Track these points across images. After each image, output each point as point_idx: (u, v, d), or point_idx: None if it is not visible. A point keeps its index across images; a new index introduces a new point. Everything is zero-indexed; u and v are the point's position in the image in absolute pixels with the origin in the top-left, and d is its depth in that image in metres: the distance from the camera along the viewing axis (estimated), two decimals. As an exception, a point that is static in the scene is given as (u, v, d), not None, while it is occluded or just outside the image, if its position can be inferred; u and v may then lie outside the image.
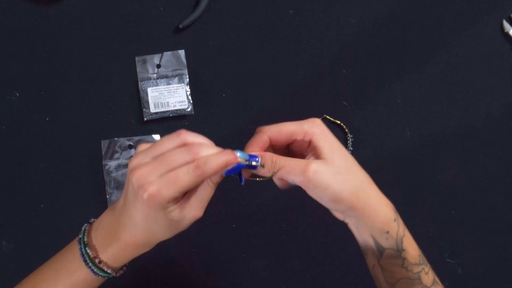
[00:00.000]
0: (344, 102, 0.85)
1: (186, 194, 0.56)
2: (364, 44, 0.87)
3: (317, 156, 0.56)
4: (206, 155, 0.54)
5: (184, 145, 0.55)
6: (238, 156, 0.55)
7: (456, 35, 0.88)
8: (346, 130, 0.84)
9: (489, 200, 0.84)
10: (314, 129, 0.57)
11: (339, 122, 0.84)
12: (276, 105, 0.85)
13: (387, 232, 0.57)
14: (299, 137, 0.58)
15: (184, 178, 0.53)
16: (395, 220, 0.58)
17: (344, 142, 0.84)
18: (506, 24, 0.88)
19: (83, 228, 0.60)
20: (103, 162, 0.82)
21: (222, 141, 0.83)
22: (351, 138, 0.84)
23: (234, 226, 0.82)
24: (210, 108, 0.84)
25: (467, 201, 0.84)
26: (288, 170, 0.56)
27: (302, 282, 0.80)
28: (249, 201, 0.82)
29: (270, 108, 0.85)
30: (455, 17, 0.88)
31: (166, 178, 0.53)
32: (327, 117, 0.84)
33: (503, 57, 0.88)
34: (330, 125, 0.85)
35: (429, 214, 0.83)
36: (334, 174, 0.55)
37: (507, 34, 0.88)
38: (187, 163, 0.54)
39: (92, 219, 0.61)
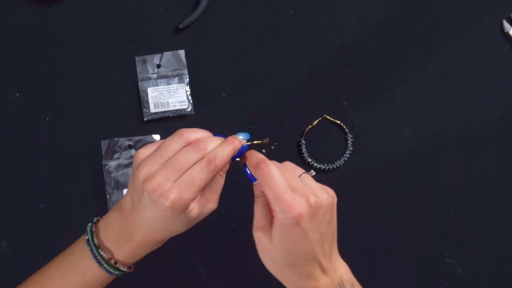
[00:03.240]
0: (344, 102, 0.85)
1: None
2: (364, 44, 0.87)
3: (271, 227, 0.55)
4: (213, 148, 0.56)
5: (188, 143, 0.56)
6: (241, 139, 0.58)
7: (456, 35, 0.88)
8: (346, 130, 0.84)
9: (489, 200, 0.84)
10: (284, 217, 0.53)
11: (339, 122, 0.84)
12: (276, 105, 0.85)
13: None
14: (271, 206, 0.54)
15: (199, 176, 0.54)
16: None
17: (344, 142, 0.85)
18: (506, 24, 0.88)
19: (88, 229, 0.60)
20: (103, 162, 0.82)
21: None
22: (351, 138, 0.84)
23: (234, 226, 0.82)
24: (210, 108, 0.84)
25: (467, 201, 0.84)
26: (255, 213, 0.57)
27: (302, 282, 0.80)
28: (249, 201, 0.82)
29: (270, 108, 0.85)
30: (455, 17, 0.88)
31: (183, 181, 0.54)
32: (327, 117, 0.84)
33: (503, 57, 0.88)
34: (330, 125, 0.85)
35: (429, 214, 0.83)
36: (267, 252, 0.56)
37: (507, 34, 0.88)
38: (197, 161, 0.55)
39: (95, 219, 0.61)
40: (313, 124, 0.84)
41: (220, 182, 0.58)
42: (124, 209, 0.58)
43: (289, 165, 0.59)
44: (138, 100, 0.84)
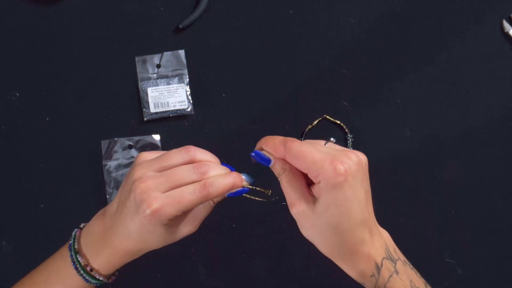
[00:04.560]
0: (344, 102, 0.85)
1: None
2: (364, 44, 0.87)
3: (315, 199, 0.53)
4: (213, 175, 0.55)
5: (192, 162, 0.55)
6: (244, 179, 0.56)
7: (456, 35, 0.88)
8: (346, 130, 0.84)
9: (489, 200, 0.84)
10: (329, 177, 0.51)
11: (339, 122, 0.84)
12: (276, 105, 0.85)
13: (363, 282, 0.56)
14: (312, 174, 0.52)
15: (189, 197, 0.53)
16: (372, 275, 0.55)
17: (344, 142, 0.84)
18: (506, 24, 0.88)
19: (73, 234, 0.59)
20: (103, 162, 0.82)
21: (222, 141, 0.83)
22: (351, 138, 0.84)
23: (234, 226, 0.82)
24: (210, 108, 0.84)
25: (467, 201, 0.84)
26: (285, 191, 0.55)
27: (302, 282, 0.80)
28: (249, 201, 0.82)
29: (270, 108, 0.85)
30: (455, 17, 0.88)
31: (171, 195, 0.53)
32: (327, 117, 0.84)
33: (503, 57, 0.88)
34: (330, 125, 0.85)
35: (429, 214, 0.83)
36: (313, 225, 0.53)
37: (507, 34, 0.88)
38: (193, 182, 0.54)
39: (82, 224, 0.61)
40: (313, 124, 0.84)
41: (207, 209, 0.57)
42: (107, 213, 0.58)
43: (308, 141, 0.57)
44: (138, 100, 0.84)
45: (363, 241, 0.54)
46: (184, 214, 0.56)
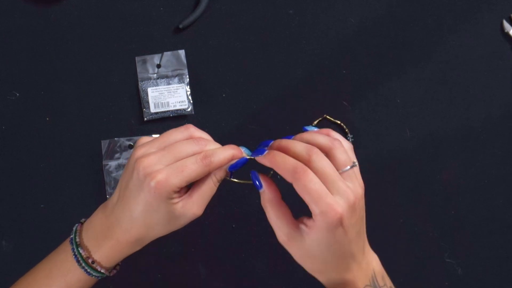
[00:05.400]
0: (344, 102, 0.85)
1: (189, 191, 0.57)
2: (364, 44, 0.87)
3: (305, 229, 0.54)
4: (213, 148, 0.56)
5: (191, 138, 0.57)
6: (243, 151, 0.58)
7: (456, 35, 0.88)
8: (346, 130, 0.84)
9: (489, 200, 0.84)
10: (326, 218, 0.51)
11: (339, 122, 0.84)
12: (276, 105, 0.85)
13: None
14: (311, 208, 0.52)
15: (192, 167, 0.54)
16: None
17: (344, 142, 0.84)
18: (506, 24, 0.88)
19: (74, 228, 0.60)
20: (103, 162, 0.82)
21: (222, 141, 0.83)
22: (351, 138, 0.84)
23: (234, 226, 0.82)
24: (210, 108, 0.85)
25: (467, 201, 0.84)
26: (272, 222, 0.56)
27: (302, 282, 0.80)
28: (249, 201, 0.82)
29: (270, 108, 0.85)
30: (455, 17, 0.88)
31: (174, 166, 0.54)
32: (327, 117, 0.84)
33: (503, 57, 0.88)
34: (330, 125, 0.85)
35: (429, 214, 0.83)
36: (301, 254, 0.55)
37: (507, 34, 0.88)
38: (194, 154, 0.55)
39: (83, 219, 0.61)
40: (313, 124, 0.84)
41: (211, 188, 0.57)
42: (108, 206, 0.58)
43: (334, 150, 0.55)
44: (138, 100, 0.84)
45: (348, 270, 0.56)
46: (189, 196, 0.56)
